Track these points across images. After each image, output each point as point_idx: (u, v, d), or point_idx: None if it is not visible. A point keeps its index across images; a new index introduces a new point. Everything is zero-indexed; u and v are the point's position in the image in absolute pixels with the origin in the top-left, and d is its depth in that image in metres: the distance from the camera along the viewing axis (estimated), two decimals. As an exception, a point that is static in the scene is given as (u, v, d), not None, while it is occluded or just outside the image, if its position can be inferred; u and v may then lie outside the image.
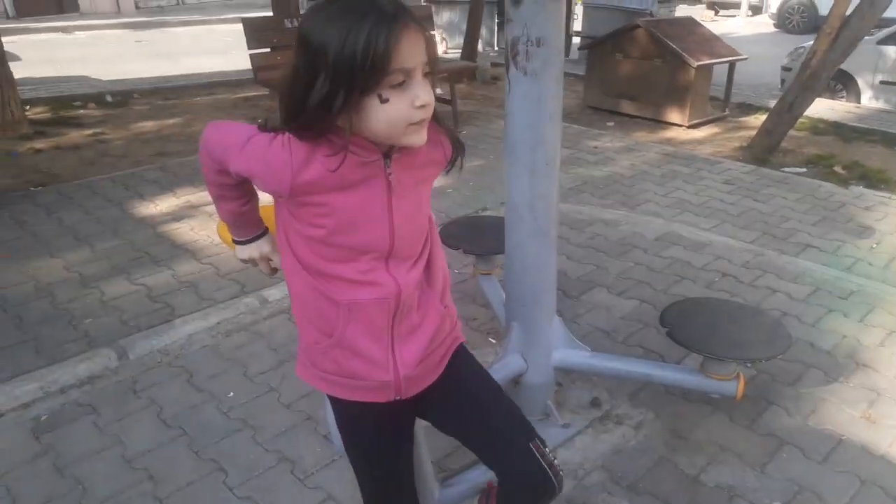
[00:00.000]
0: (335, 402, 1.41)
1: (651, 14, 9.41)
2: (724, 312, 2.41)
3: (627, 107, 6.85)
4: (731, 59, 6.72)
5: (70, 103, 7.25)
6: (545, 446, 1.41)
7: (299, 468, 2.25)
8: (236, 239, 1.50)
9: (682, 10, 14.67)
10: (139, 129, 6.36)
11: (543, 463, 1.37)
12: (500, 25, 11.50)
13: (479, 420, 1.45)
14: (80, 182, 4.77)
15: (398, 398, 1.35)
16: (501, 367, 2.36)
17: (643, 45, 6.57)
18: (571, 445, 2.35)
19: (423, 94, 1.12)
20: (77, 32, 13.68)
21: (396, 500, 1.55)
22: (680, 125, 6.46)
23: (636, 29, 6.59)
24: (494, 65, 9.05)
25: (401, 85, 1.10)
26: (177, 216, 4.19)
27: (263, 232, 1.49)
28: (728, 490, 2.14)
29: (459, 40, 9.66)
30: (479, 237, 2.91)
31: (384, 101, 1.09)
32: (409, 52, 1.09)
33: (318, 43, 1.08)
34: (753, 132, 5.88)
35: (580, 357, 2.42)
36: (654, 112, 6.65)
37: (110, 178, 4.83)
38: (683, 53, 6.22)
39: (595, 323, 3.06)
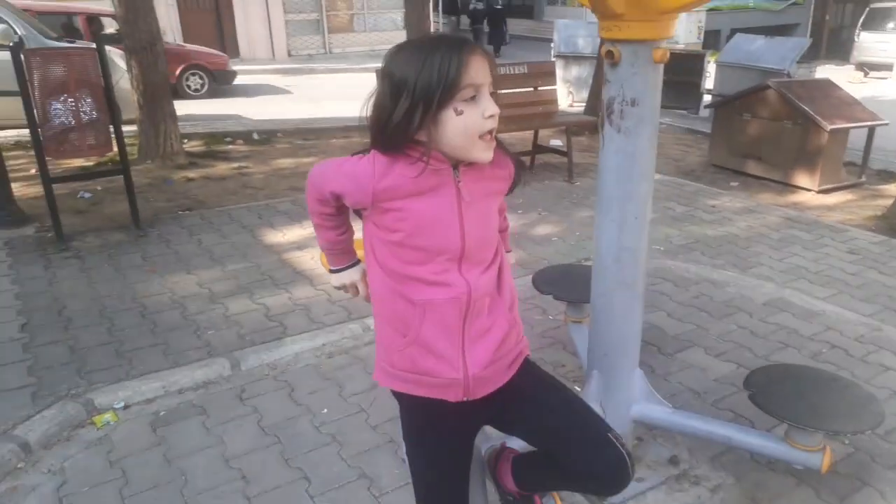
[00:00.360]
0: (406, 402, 1.56)
1: (788, 74, 9.12)
2: (814, 381, 2.33)
3: (754, 168, 6.66)
4: (870, 123, 6.39)
5: (222, 139, 8.01)
6: (620, 437, 1.52)
7: (376, 486, 2.39)
8: (332, 268, 1.71)
9: (830, 71, 14.07)
10: (278, 165, 6.93)
11: (623, 450, 1.49)
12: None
13: (554, 415, 1.56)
14: (221, 209, 5.27)
15: (466, 399, 1.48)
16: (579, 413, 2.41)
17: (773, 106, 6.39)
18: (643, 499, 2.34)
19: (490, 107, 1.35)
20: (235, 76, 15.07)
21: None
22: (809, 190, 6.19)
23: (766, 90, 6.44)
24: (619, 120, 9.05)
25: (472, 99, 1.33)
26: (300, 245, 4.54)
27: (356, 262, 1.70)
28: (804, 566, 2.05)
29: (586, 94, 9.78)
30: (570, 285, 2.98)
31: (459, 113, 1.32)
32: (477, 71, 1.31)
33: (400, 74, 1.33)
34: (891, 201, 5.54)
35: (660, 412, 2.41)
36: (782, 175, 6.42)
37: (247, 207, 5.31)
38: (816, 116, 5.99)
39: (686, 382, 3.02)
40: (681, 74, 10.98)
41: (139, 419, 2.74)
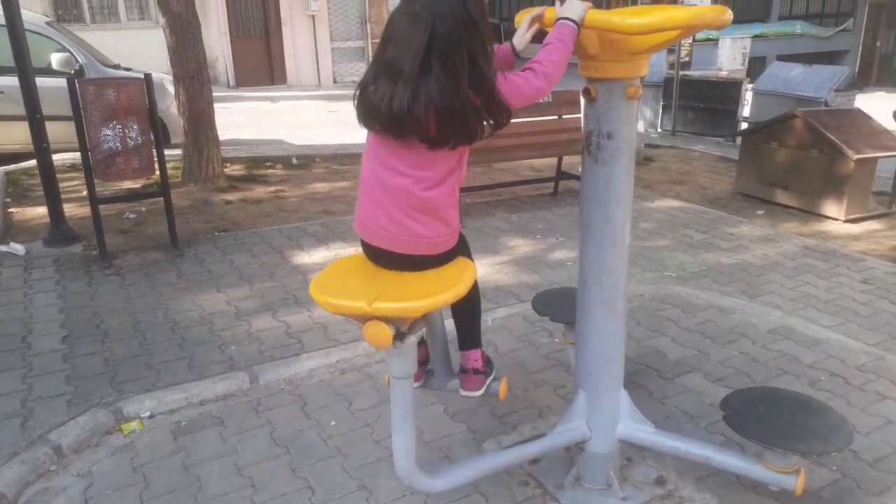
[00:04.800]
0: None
1: (825, 103, 9.08)
2: (789, 404, 2.42)
3: (781, 196, 6.66)
4: (900, 152, 6.35)
5: (263, 163, 8.36)
6: None
7: (374, 497, 2.55)
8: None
9: (879, 98, 13.79)
10: (313, 189, 7.22)
11: None
12: (665, 108, 11.58)
13: None
14: (255, 231, 5.55)
15: None
16: (565, 430, 2.54)
17: (800, 135, 6.42)
18: (626, 517, 2.45)
19: None
20: (282, 101, 15.61)
21: None
22: (836, 219, 6.17)
23: (794, 118, 6.47)
24: (649, 146, 9.14)
25: None
26: (325, 266, 4.75)
27: None
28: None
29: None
30: (566, 306, 3.10)
31: None
32: None
33: None
34: (919, 231, 5.51)
35: (642, 431, 2.52)
36: (808, 204, 6.42)
37: (278, 229, 5.58)
38: (842, 145, 6.00)
39: (682, 406, 3.11)
40: (717, 102, 11.02)
41: (162, 428, 2.97)
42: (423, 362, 2.49)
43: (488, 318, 3.88)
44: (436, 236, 2.09)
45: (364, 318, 1.96)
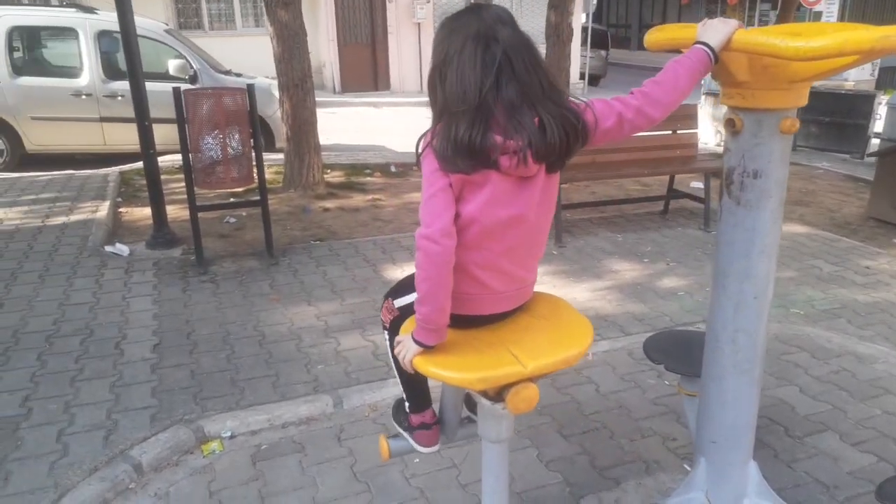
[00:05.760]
0: None
1: (975, 120, 8.12)
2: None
3: (923, 224, 5.95)
4: None
5: (362, 170, 8.33)
6: None
7: (458, 551, 2.32)
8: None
9: None
10: (409, 198, 7.09)
11: None
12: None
13: None
14: (350, 241, 5.46)
15: None
16: (682, 501, 2.22)
17: (951, 157, 5.70)
18: None
19: None
20: (385, 108, 15.73)
21: None
22: None
23: (944, 138, 5.75)
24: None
25: None
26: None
27: None
28: None
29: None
30: (685, 354, 2.75)
31: None
32: None
33: None
34: None
35: (773, 512, 2.17)
36: (958, 234, 5.69)
37: (372, 241, 5.46)
38: None
39: (814, 473, 2.70)
40: (845, 115, 10.12)
41: (242, 451, 2.85)
42: (436, 422, 2.23)
43: (589, 353, 3.57)
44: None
45: (505, 386, 1.77)
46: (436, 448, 2.21)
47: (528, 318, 1.95)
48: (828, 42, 1.52)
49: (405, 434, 2.23)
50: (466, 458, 2.78)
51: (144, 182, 6.91)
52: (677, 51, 1.90)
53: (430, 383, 2.08)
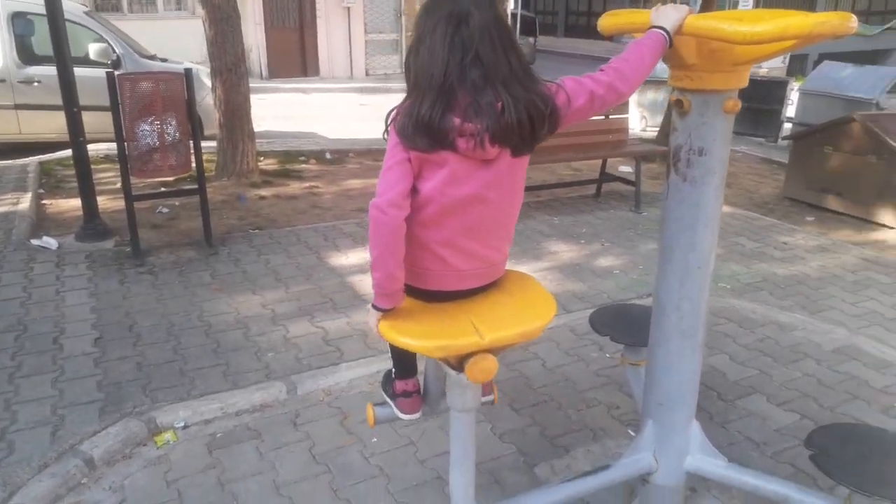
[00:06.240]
0: None
1: (877, 105, 8.72)
2: (881, 444, 2.20)
3: (832, 202, 6.38)
4: (964, 160, 6.03)
5: (297, 158, 8.24)
6: None
7: (421, 524, 2.40)
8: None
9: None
10: (347, 185, 7.08)
11: None
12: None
13: None
14: (290, 229, 5.42)
15: None
16: (631, 462, 2.35)
17: (857, 140, 6.13)
18: (693, 557, 2.26)
19: None
20: (314, 93, 15.52)
21: None
22: (892, 228, 5.88)
23: (851, 122, 6.17)
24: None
25: None
26: (363, 269, 4.60)
27: None
28: None
29: (660, 119, 9.61)
30: (628, 326, 2.91)
31: None
32: None
33: None
34: (985, 244, 5.21)
35: (714, 466, 2.32)
36: (862, 211, 6.13)
37: (313, 228, 5.44)
38: (904, 151, 5.71)
39: (745, 432, 2.91)
40: (760, 101, 10.64)
41: (197, 440, 2.83)
42: (419, 391, 2.31)
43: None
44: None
45: (465, 356, 1.84)
46: (417, 415, 2.27)
47: (496, 294, 2.03)
48: (771, 27, 1.66)
49: (390, 402, 2.29)
50: (423, 434, 2.86)
51: (67, 173, 6.68)
52: (630, 35, 2.01)
53: (418, 355, 2.13)
